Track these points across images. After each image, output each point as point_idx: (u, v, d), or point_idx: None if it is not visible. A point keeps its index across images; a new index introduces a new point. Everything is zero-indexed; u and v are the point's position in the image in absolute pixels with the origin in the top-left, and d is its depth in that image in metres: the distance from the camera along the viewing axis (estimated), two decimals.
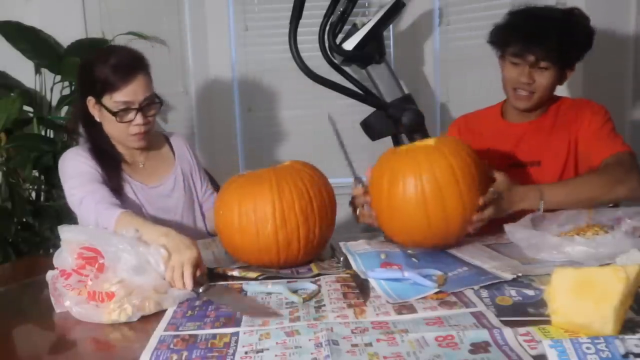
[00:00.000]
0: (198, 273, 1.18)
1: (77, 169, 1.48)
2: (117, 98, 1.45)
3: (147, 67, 1.52)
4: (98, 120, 1.53)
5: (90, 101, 1.50)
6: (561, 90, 1.77)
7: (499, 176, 1.32)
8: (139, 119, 1.48)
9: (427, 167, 1.21)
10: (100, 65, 1.46)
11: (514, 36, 1.54)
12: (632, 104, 2.36)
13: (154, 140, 1.65)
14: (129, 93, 1.45)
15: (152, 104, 1.51)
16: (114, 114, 1.46)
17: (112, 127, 1.51)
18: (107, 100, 1.46)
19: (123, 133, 1.50)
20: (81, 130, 1.60)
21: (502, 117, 1.69)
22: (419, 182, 1.21)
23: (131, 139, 1.52)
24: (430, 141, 1.32)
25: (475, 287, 1.06)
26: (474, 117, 1.76)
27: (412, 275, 1.10)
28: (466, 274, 1.15)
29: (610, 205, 1.46)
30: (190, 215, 1.69)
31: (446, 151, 1.24)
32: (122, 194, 1.53)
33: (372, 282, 1.11)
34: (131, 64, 1.47)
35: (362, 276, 1.14)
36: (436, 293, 1.05)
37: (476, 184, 1.23)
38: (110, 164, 1.53)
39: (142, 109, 1.48)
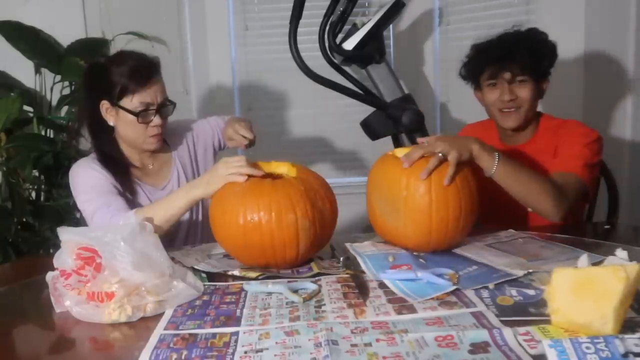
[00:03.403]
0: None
1: (88, 183, 1.49)
2: (138, 100, 1.49)
3: (160, 71, 1.56)
4: (112, 124, 1.54)
5: (104, 105, 1.52)
6: (562, 109, 1.78)
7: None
8: (157, 119, 1.52)
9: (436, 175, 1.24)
10: (116, 69, 1.49)
11: (487, 60, 1.60)
12: (632, 120, 2.35)
13: None
14: (150, 94, 1.50)
15: (168, 105, 1.56)
16: (136, 114, 1.49)
17: (130, 130, 1.53)
18: (126, 102, 1.49)
19: (141, 135, 1.53)
20: (86, 135, 1.60)
21: (500, 140, 1.71)
22: (429, 188, 1.23)
23: (149, 141, 1.55)
24: None
25: (490, 286, 1.07)
26: (480, 130, 1.75)
27: (426, 275, 1.10)
28: (477, 272, 1.15)
29: (529, 210, 1.50)
30: (202, 207, 1.66)
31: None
32: (136, 201, 1.55)
33: (388, 284, 1.10)
34: (150, 67, 1.52)
35: (374, 278, 1.14)
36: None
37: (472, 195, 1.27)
38: (121, 171, 1.55)
39: (160, 110, 1.52)
